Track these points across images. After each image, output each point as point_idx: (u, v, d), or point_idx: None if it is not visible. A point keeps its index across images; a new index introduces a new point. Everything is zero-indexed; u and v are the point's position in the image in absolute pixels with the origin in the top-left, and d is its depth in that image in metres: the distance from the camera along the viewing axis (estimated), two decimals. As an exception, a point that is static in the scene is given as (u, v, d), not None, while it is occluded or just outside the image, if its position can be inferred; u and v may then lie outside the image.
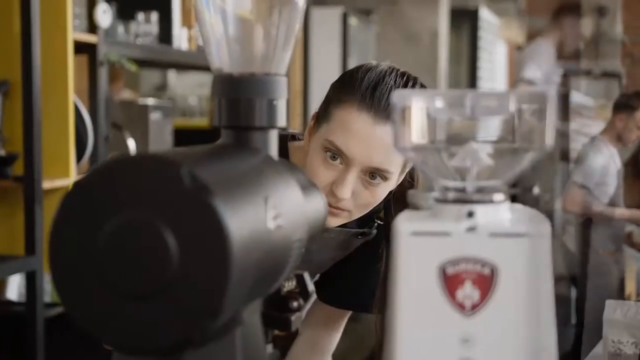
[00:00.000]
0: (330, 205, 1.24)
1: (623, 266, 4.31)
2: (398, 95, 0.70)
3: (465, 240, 0.67)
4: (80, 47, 2.57)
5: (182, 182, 0.59)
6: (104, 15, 2.59)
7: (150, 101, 3.11)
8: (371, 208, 1.30)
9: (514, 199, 3.85)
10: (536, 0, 9.97)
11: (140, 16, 2.96)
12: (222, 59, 0.81)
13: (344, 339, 1.57)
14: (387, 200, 1.34)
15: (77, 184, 0.62)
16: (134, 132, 3.01)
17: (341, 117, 1.23)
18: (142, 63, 3.18)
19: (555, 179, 4.33)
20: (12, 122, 2.39)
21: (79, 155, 2.53)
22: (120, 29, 2.88)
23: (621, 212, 4.23)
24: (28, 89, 2.30)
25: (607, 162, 4.17)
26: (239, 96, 0.79)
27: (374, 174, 1.25)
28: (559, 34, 4.37)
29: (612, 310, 1.97)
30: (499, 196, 0.69)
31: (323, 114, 1.27)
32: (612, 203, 4.21)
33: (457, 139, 0.71)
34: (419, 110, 0.70)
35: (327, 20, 5.14)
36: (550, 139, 0.68)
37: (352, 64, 6.61)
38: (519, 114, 0.69)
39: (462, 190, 0.70)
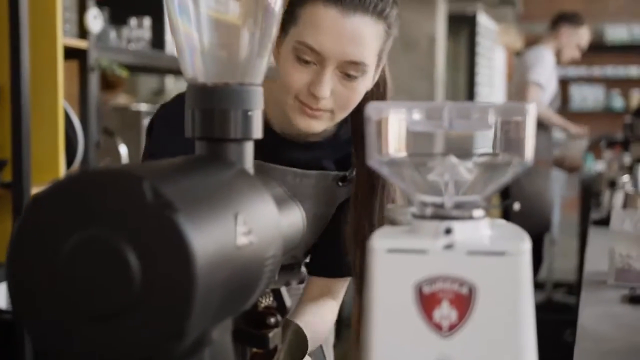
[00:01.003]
0: (310, 107, 1.23)
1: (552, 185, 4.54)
2: (373, 108, 0.68)
3: (443, 258, 0.64)
4: (71, 53, 2.54)
5: (144, 197, 0.57)
6: (95, 20, 2.56)
7: (144, 107, 3.09)
8: (351, 108, 1.27)
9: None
10: (534, 6, 9.97)
11: (133, 21, 2.94)
12: (195, 68, 0.78)
13: (343, 345, 1.54)
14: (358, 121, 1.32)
15: (36, 199, 0.59)
16: (127, 138, 2.98)
17: (308, 16, 1.21)
18: (134, 68, 3.15)
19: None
20: (1, 128, 2.36)
21: (69, 162, 2.51)
22: (113, 34, 2.86)
23: (557, 119, 4.55)
24: (17, 94, 2.27)
25: (553, 66, 4.35)
26: (213, 107, 0.77)
27: (349, 71, 1.22)
28: (557, 42, 4.40)
29: (620, 220, 1.89)
30: (478, 212, 0.67)
31: (288, 19, 1.25)
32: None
33: (434, 153, 0.68)
34: (395, 122, 0.68)
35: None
36: (530, 153, 0.66)
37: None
38: (498, 127, 0.66)
39: (441, 205, 0.67)
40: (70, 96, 2.58)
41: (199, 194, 0.62)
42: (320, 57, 1.21)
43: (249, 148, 0.78)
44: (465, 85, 7.37)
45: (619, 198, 2.87)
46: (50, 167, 2.41)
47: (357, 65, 1.21)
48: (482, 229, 0.67)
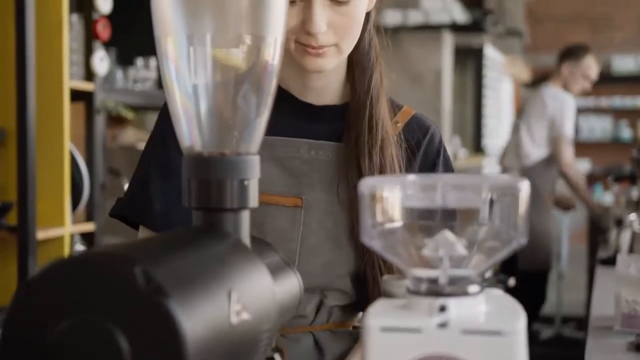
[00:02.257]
0: (312, 47, 1.16)
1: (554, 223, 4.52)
2: (366, 183, 0.68)
3: (437, 337, 0.64)
4: (78, 95, 2.56)
5: (135, 282, 0.57)
6: (101, 62, 2.58)
7: (150, 146, 3.09)
8: (355, 35, 1.18)
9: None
10: (541, 38, 10.01)
11: (140, 62, 2.96)
12: (192, 138, 0.79)
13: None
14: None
15: (28, 283, 0.59)
16: (132, 177, 2.98)
17: None
18: (141, 107, 3.17)
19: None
20: (7, 171, 2.37)
21: (75, 204, 2.51)
22: (119, 74, 2.88)
23: (584, 191, 4.53)
24: (23, 137, 2.29)
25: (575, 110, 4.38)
26: (210, 177, 0.77)
27: None
28: (562, 78, 4.42)
29: (625, 264, 1.86)
30: (473, 288, 0.67)
31: None
32: None
33: (429, 227, 0.68)
34: (388, 197, 0.68)
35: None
36: (524, 232, 0.66)
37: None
38: (491, 204, 0.66)
39: (435, 281, 0.67)
40: (76, 137, 2.59)
41: (192, 274, 0.62)
42: None
43: (245, 217, 0.78)
44: (472, 117, 7.38)
45: (626, 237, 2.86)
46: (56, 209, 2.42)
47: None
48: (477, 306, 0.66)
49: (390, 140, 1.23)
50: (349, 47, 1.19)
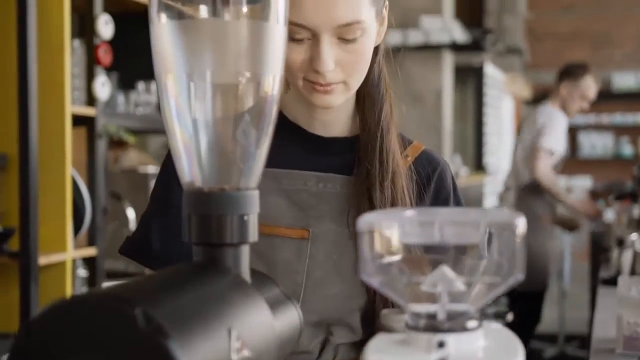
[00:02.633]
0: (320, 84, 1.15)
1: (554, 243, 4.52)
2: (364, 220, 0.68)
3: (436, 373, 0.64)
4: (79, 119, 2.57)
5: (136, 323, 0.57)
6: (103, 87, 2.60)
7: (152, 169, 3.11)
8: (364, 71, 1.17)
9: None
10: (541, 55, 10.04)
11: (141, 86, 2.97)
12: (192, 173, 0.79)
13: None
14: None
15: (29, 324, 0.60)
16: (135, 200, 3.00)
17: None
18: (143, 131, 3.19)
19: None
20: (9, 196, 2.38)
21: (77, 229, 2.52)
22: (121, 98, 2.89)
23: (564, 196, 4.49)
24: (25, 163, 2.30)
25: (565, 129, 4.35)
26: (210, 212, 0.77)
27: (346, 36, 1.12)
28: (560, 98, 4.43)
29: (627, 287, 1.85)
30: (472, 323, 0.67)
31: None
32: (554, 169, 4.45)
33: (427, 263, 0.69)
34: (386, 234, 0.68)
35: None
36: (522, 267, 0.66)
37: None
38: (489, 240, 0.67)
39: (434, 316, 0.68)
40: (77, 162, 2.60)
41: (191, 312, 0.63)
42: (311, 31, 1.12)
43: (245, 251, 0.79)
44: (473, 135, 7.39)
45: (627, 257, 2.86)
46: (58, 235, 2.42)
47: (351, 26, 1.12)
48: (475, 341, 0.66)
49: (402, 173, 1.22)
50: (356, 83, 1.18)
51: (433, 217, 0.68)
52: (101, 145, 2.61)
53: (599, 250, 4.40)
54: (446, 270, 0.68)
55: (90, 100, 2.60)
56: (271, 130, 0.82)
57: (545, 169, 4.27)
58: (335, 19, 1.11)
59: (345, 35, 1.12)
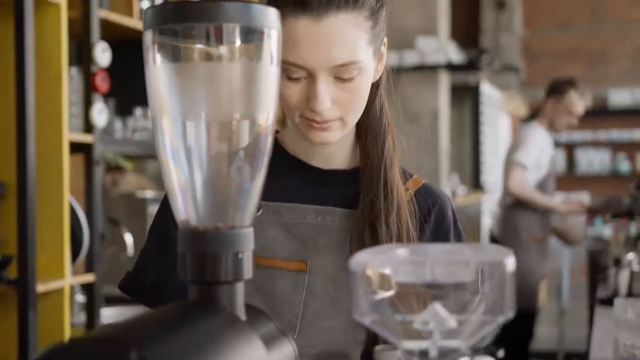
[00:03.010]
0: (317, 122, 1.16)
1: (546, 261, 4.44)
2: (356, 261, 0.69)
3: (428, 411, 0.65)
4: (77, 146, 2.59)
5: (132, 367, 0.58)
6: (100, 114, 2.61)
7: (150, 194, 3.12)
8: (360, 108, 1.18)
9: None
10: (537, 72, 10.09)
11: (138, 111, 2.99)
12: (187, 212, 0.80)
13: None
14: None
15: (27, 368, 0.61)
16: (133, 225, 3.01)
17: (282, 33, 1.14)
18: (140, 157, 3.20)
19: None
20: (7, 224, 2.39)
21: (75, 255, 2.53)
22: (118, 124, 2.91)
23: (543, 200, 4.33)
24: (23, 191, 2.31)
25: (544, 145, 4.33)
26: (205, 251, 0.79)
27: (343, 75, 1.13)
28: (546, 115, 4.43)
29: (623, 309, 1.85)
30: (463, 359, 0.68)
31: None
32: (542, 188, 4.38)
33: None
34: (378, 273, 0.69)
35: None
36: (511, 305, 0.67)
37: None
38: (479, 279, 0.68)
39: (426, 353, 0.69)
40: (75, 189, 2.61)
41: (186, 354, 0.64)
42: (307, 71, 1.13)
43: (239, 289, 0.80)
44: (470, 154, 7.41)
45: (624, 277, 2.86)
46: (56, 262, 2.43)
47: (348, 66, 1.13)
48: (467, 378, 0.68)
49: (405, 207, 1.23)
50: (354, 119, 1.19)
51: (424, 257, 0.69)
52: (98, 172, 2.62)
53: (597, 268, 4.41)
54: (438, 308, 0.69)
55: (88, 127, 2.61)
56: (265, 167, 0.83)
57: (516, 181, 4.26)
58: (331, 60, 1.12)
59: (341, 74, 1.13)
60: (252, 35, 0.79)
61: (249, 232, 0.80)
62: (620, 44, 9.94)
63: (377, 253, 0.70)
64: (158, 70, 0.78)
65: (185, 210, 0.81)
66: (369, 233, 1.21)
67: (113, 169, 3.33)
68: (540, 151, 4.34)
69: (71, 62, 2.66)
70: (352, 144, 1.28)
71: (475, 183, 7.35)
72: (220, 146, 0.80)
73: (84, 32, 2.61)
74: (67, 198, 2.47)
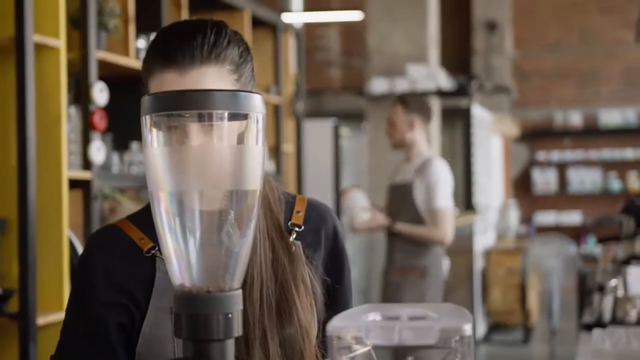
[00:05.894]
0: None
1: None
2: (332, 326, 0.78)
3: None
4: (75, 183, 2.67)
5: None
6: (98, 152, 2.70)
7: (145, 224, 3.19)
8: None
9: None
10: (529, 93, 10.21)
11: (135, 146, 3.08)
12: (182, 277, 0.89)
13: None
14: None
15: None
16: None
17: (154, 86, 1.20)
18: (137, 189, 3.29)
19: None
20: (9, 259, 2.47)
21: (74, 288, 2.60)
22: (115, 158, 3.00)
23: (401, 226, 3.88)
24: (24, 227, 2.39)
25: None
26: (198, 311, 0.87)
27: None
28: None
29: (601, 340, 1.92)
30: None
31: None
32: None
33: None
34: (352, 337, 0.78)
35: (319, 132, 5.30)
36: (470, 365, 0.76)
37: (345, 172, 6.78)
38: (442, 344, 0.77)
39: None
40: (74, 224, 2.69)
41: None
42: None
43: (230, 345, 0.89)
44: (463, 176, 7.50)
45: (608, 303, 2.94)
46: (56, 295, 2.51)
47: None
48: None
49: (257, 249, 1.25)
50: None
51: (393, 324, 0.78)
52: (96, 207, 2.71)
53: (586, 289, 4.48)
54: (407, 364, 0.78)
55: (86, 164, 2.70)
56: (253, 232, 0.92)
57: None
58: None
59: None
60: (239, 119, 0.88)
61: (238, 294, 0.89)
62: (610, 65, 10.07)
63: (352, 320, 0.78)
64: (155, 151, 0.87)
65: (180, 276, 0.90)
66: None
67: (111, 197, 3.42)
68: None
69: (70, 102, 2.76)
70: None
71: (468, 204, 7.43)
72: (211, 217, 0.89)
73: (82, 73, 2.71)
74: (66, 233, 2.55)
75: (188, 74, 1.19)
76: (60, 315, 2.52)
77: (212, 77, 1.20)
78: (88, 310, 1.24)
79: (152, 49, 1.23)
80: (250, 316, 1.22)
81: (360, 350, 0.79)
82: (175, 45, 1.19)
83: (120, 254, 1.27)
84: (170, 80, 1.19)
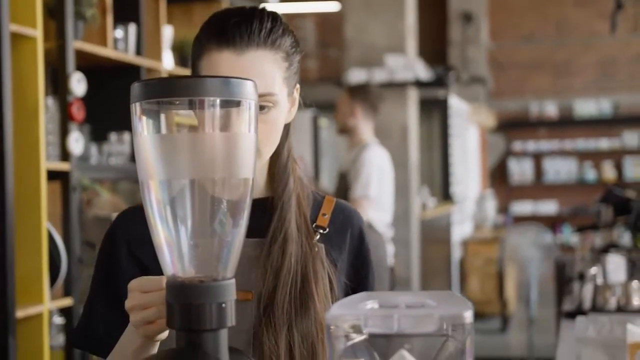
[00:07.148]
0: None
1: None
2: (331, 314, 0.77)
3: None
4: (54, 174, 2.64)
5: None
6: (76, 143, 2.67)
7: (124, 216, 3.16)
8: (275, 141, 1.25)
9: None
10: (505, 84, 10.25)
11: (113, 137, 3.05)
12: (174, 267, 0.88)
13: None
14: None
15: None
16: (108, 247, 3.04)
17: (207, 64, 1.22)
18: (116, 180, 3.26)
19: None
20: (-14, 251, 2.43)
21: (53, 280, 2.58)
22: (94, 150, 2.96)
23: None
24: (2, 219, 2.36)
25: None
26: (190, 301, 0.86)
27: (259, 104, 1.16)
28: None
29: (584, 327, 1.92)
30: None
31: (193, 74, 1.24)
32: None
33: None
34: (350, 326, 0.77)
35: (298, 123, 5.28)
36: (471, 354, 0.75)
37: (324, 163, 6.77)
38: (441, 332, 0.76)
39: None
40: (52, 215, 2.66)
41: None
42: None
43: (223, 335, 0.87)
44: (440, 166, 7.53)
45: (588, 291, 2.96)
46: (34, 287, 2.48)
47: (265, 97, 1.20)
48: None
49: (293, 240, 1.26)
50: (269, 151, 1.25)
51: (392, 312, 0.76)
52: (75, 198, 2.68)
53: (564, 278, 4.49)
54: (405, 354, 0.77)
55: (65, 155, 2.66)
56: (246, 221, 0.90)
57: None
58: None
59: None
60: (231, 106, 0.86)
61: (231, 283, 0.88)
62: (585, 56, 10.13)
63: (350, 308, 0.77)
64: (145, 139, 0.86)
65: (172, 266, 0.88)
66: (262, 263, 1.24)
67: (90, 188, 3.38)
68: None
69: (47, 93, 2.72)
70: (266, 174, 1.32)
71: (445, 194, 7.46)
72: (203, 206, 0.88)
73: (59, 64, 2.67)
74: (45, 224, 2.52)
75: (245, 55, 1.20)
76: (40, 308, 2.49)
77: (267, 60, 1.22)
78: (112, 276, 1.25)
79: (207, 29, 1.24)
80: (280, 302, 1.22)
81: (358, 338, 0.78)
82: (234, 26, 1.21)
83: (142, 231, 1.24)
84: (226, 60, 1.20)
